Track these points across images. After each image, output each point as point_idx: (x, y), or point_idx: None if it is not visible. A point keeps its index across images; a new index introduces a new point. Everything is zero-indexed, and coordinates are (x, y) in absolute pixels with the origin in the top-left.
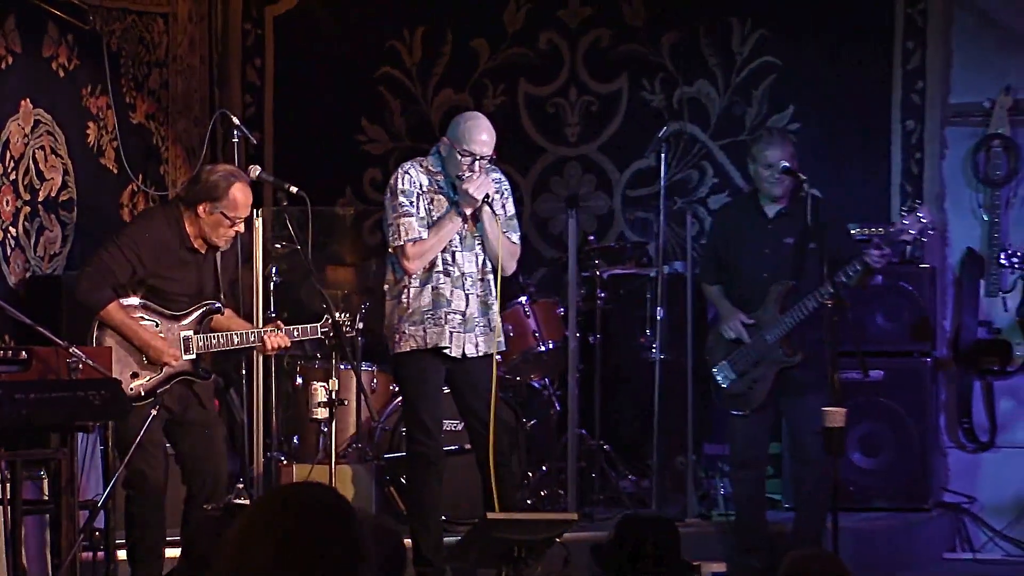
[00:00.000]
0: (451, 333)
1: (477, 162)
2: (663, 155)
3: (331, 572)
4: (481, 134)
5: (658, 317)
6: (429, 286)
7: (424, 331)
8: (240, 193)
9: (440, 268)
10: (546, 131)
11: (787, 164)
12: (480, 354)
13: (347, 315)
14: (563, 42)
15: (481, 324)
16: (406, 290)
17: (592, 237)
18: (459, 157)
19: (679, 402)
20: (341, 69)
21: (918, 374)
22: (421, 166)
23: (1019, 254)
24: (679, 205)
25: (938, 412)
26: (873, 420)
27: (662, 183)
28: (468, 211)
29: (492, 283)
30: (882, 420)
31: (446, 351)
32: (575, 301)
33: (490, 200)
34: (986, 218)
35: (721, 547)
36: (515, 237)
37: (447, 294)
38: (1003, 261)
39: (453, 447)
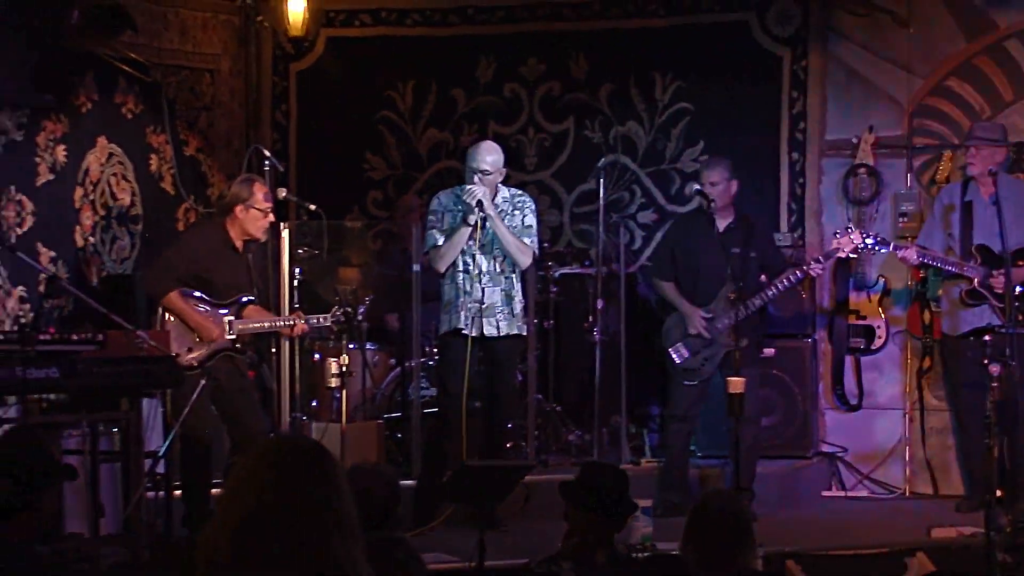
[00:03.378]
0: (471, 318)
1: (478, 176)
2: (601, 180)
3: (310, 501)
4: (483, 155)
5: (598, 307)
6: (454, 283)
7: (450, 317)
8: (261, 190)
9: (460, 268)
10: (510, 162)
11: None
12: (500, 335)
13: (352, 306)
14: (523, 91)
15: (504, 311)
16: (443, 288)
17: (547, 244)
18: (469, 175)
19: (614, 373)
20: (349, 112)
21: (801, 351)
22: (452, 192)
23: (873, 234)
24: (614, 219)
25: (817, 381)
26: (767, 387)
27: (601, 202)
28: (471, 218)
29: (516, 280)
30: (773, 387)
31: (464, 332)
32: (533, 295)
33: (484, 204)
34: (852, 228)
35: (648, 487)
36: (528, 240)
37: (467, 287)
38: (867, 241)
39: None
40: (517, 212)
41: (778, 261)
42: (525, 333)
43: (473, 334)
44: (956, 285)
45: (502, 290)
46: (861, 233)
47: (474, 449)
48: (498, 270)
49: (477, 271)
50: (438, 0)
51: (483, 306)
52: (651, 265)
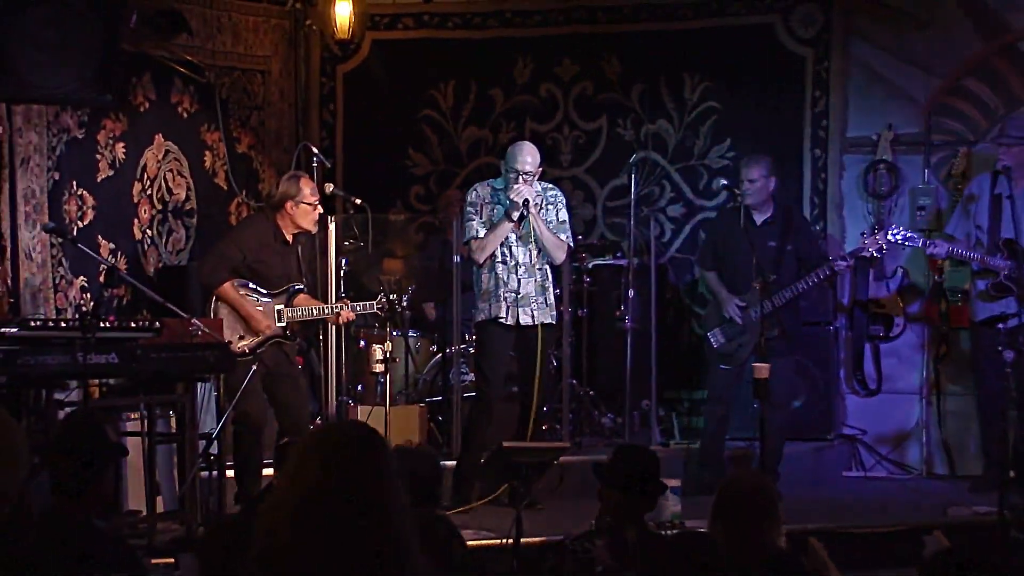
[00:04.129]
0: (507, 307)
1: (520, 176)
2: (633, 176)
3: (360, 483)
4: (524, 156)
5: (629, 296)
6: (493, 272)
7: (489, 306)
8: (308, 185)
9: (499, 259)
10: (546, 158)
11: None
12: (535, 323)
13: (396, 295)
14: (558, 91)
15: (538, 301)
16: (479, 277)
17: (580, 236)
18: (508, 174)
19: (645, 360)
20: (393, 111)
21: (824, 338)
22: (488, 185)
23: (901, 229)
24: (645, 213)
25: (838, 367)
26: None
27: (632, 196)
28: (515, 214)
29: (548, 272)
30: (797, 372)
31: (502, 320)
32: (568, 284)
33: (529, 204)
34: (873, 222)
35: (677, 467)
36: (563, 236)
37: (504, 278)
38: (892, 237)
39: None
40: (551, 207)
41: (814, 254)
42: (556, 321)
43: (510, 323)
44: (984, 278)
45: (537, 281)
46: (889, 232)
47: (511, 432)
48: (533, 262)
49: (514, 263)
50: (478, 4)
51: (519, 296)
52: (696, 256)
